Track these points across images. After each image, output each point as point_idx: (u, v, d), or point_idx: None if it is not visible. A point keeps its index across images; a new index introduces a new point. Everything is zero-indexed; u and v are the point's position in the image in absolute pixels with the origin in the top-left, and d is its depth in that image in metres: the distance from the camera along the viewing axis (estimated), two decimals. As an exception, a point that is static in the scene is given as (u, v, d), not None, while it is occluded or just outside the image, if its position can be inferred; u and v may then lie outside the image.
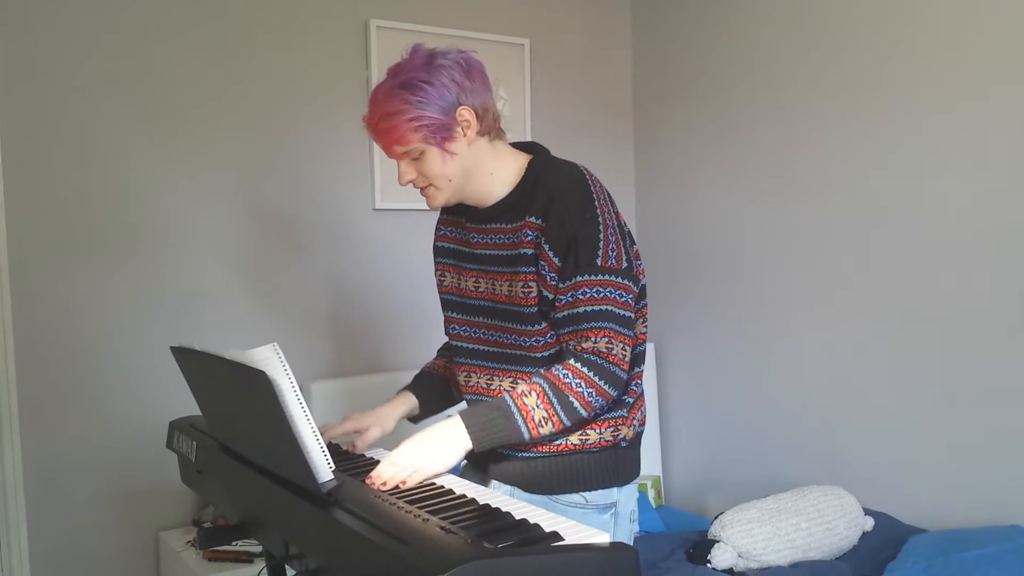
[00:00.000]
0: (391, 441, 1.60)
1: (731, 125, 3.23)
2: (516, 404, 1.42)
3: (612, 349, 1.44)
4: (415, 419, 1.74)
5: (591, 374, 1.43)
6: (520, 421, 1.42)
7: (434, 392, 1.76)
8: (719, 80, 3.27)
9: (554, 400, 1.42)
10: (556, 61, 3.45)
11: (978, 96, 2.48)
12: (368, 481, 1.33)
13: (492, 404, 1.45)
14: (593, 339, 1.44)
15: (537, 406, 1.42)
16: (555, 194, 1.48)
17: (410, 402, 1.72)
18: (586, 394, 1.42)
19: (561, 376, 1.43)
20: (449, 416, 1.46)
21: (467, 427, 1.42)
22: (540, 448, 1.53)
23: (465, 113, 1.47)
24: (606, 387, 1.44)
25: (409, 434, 1.45)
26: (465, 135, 1.49)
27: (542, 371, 1.46)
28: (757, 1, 3.12)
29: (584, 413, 1.45)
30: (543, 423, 1.42)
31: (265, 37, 2.83)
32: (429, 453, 1.39)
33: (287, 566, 1.37)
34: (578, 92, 3.51)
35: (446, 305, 1.68)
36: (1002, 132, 2.44)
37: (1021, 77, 2.38)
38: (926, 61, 2.60)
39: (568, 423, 1.45)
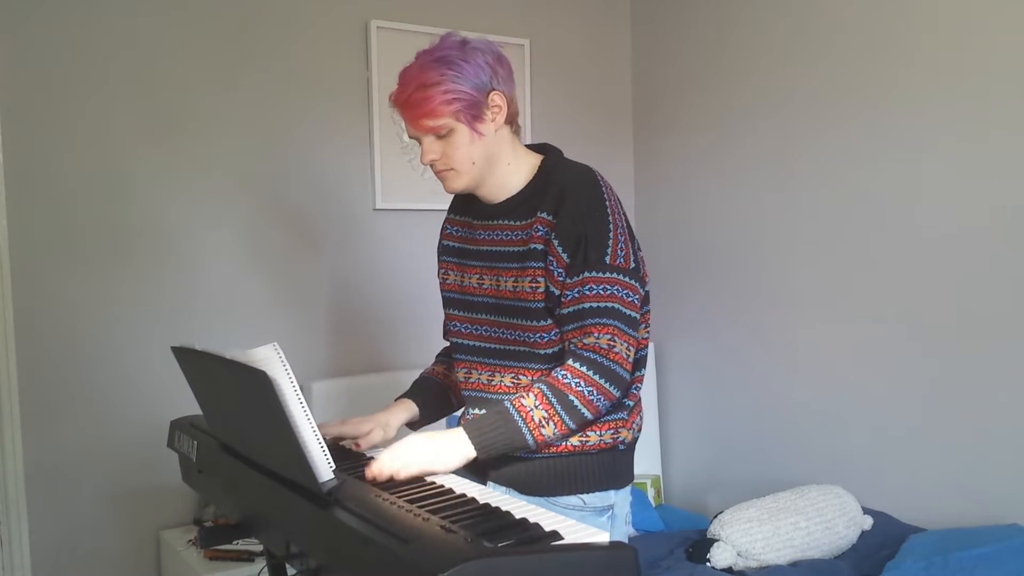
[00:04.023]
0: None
1: (731, 125, 3.24)
2: (513, 406, 1.43)
3: (614, 347, 1.43)
4: (413, 426, 1.73)
5: (590, 372, 1.42)
6: (520, 422, 1.41)
7: (433, 399, 1.74)
8: (719, 80, 3.28)
9: (553, 400, 1.41)
10: (556, 61, 3.45)
11: (978, 98, 2.49)
12: (367, 472, 1.34)
13: (491, 410, 1.45)
14: (596, 335, 1.43)
15: (536, 407, 1.41)
16: (567, 191, 1.49)
17: (410, 409, 1.71)
18: (586, 393, 1.41)
19: (560, 377, 1.43)
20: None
21: (468, 434, 1.42)
22: (541, 449, 1.52)
23: (497, 98, 1.49)
24: (607, 385, 1.43)
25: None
26: (494, 120, 1.50)
27: (542, 376, 1.46)
28: (756, 2, 3.12)
29: (587, 413, 1.43)
30: (544, 423, 1.41)
31: (265, 37, 2.84)
32: (430, 449, 1.39)
33: (288, 565, 1.38)
34: (578, 93, 3.51)
35: (447, 303, 1.67)
36: (1002, 132, 2.44)
37: (1022, 77, 2.39)
38: (926, 63, 2.61)
39: (572, 424, 1.43)
